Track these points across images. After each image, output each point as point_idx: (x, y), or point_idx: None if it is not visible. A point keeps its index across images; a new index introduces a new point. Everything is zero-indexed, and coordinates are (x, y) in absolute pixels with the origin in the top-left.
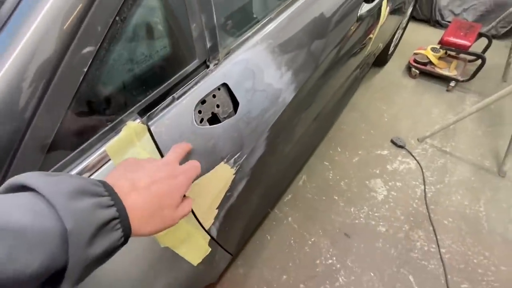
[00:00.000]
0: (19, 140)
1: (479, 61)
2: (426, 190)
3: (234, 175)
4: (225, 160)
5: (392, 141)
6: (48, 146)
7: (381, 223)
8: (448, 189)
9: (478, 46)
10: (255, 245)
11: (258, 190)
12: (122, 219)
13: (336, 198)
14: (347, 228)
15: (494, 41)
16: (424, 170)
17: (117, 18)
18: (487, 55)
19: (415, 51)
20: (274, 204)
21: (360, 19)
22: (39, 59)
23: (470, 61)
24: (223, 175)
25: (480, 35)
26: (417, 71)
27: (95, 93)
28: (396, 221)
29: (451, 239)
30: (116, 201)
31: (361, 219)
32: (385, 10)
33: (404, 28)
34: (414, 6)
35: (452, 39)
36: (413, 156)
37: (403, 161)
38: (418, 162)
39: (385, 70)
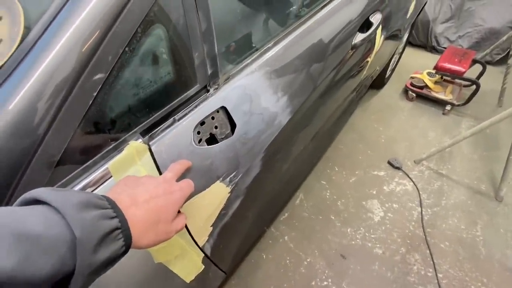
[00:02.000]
0: (30, 156)
1: (474, 86)
2: (423, 212)
3: (229, 194)
4: (221, 179)
5: (389, 162)
6: (55, 163)
7: (378, 245)
8: (445, 212)
9: (473, 72)
10: (250, 264)
11: (253, 209)
12: (123, 229)
13: (333, 218)
14: (344, 249)
15: (489, 67)
16: (420, 192)
17: (126, 48)
18: (482, 80)
19: (412, 75)
20: (271, 222)
21: (355, 47)
22: (56, 83)
23: (465, 86)
24: (218, 193)
25: (475, 61)
26: (414, 94)
27: (102, 114)
28: (393, 243)
29: (448, 264)
30: (118, 213)
31: (358, 240)
32: (379, 37)
33: (401, 53)
34: (410, 32)
35: (447, 65)
36: (409, 177)
37: (400, 182)
38: (415, 184)
39: (383, 92)
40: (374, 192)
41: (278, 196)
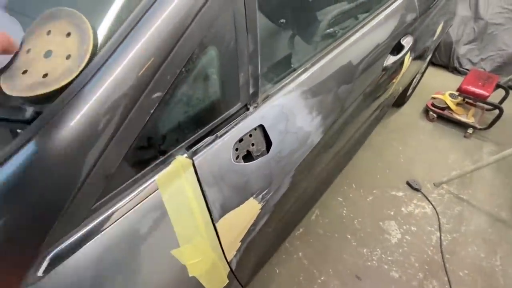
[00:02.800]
0: (90, 168)
1: (497, 111)
2: (442, 237)
3: (260, 210)
4: (255, 195)
5: (408, 183)
6: (111, 175)
7: (394, 268)
8: (464, 239)
9: (496, 96)
10: (263, 278)
11: (277, 225)
12: None
13: (349, 237)
14: (359, 269)
15: None
16: (440, 217)
17: (183, 69)
18: (505, 105)
19: (433, 95)
20: (286, 236)
21: (385, 69)
22: (118, 101)
23: (487, 110)
24: (251, 209)
25: (498, 86)
26: (435, 115)
27: (155, 130)
28: (410, 267)
29: None
30: None
31: (374, 262)
32: (408, 59)
33: (423, 73)
34: (433, 53)
35: (471, 88)
36: (429, 200)
37: (419, 204)
38: (434, 208)
39: (403, 111)
40: (392, 213)
41: (298, 212)
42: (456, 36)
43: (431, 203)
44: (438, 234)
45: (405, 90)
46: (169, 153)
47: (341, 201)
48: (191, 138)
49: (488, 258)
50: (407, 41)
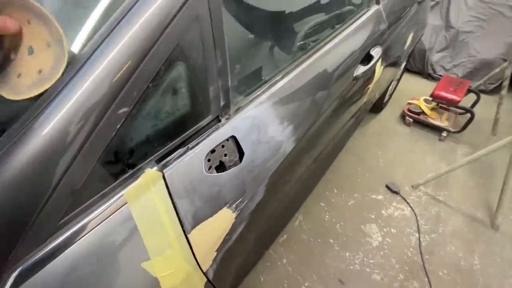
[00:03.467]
0: (56, 182)
1: (469, 115)
2: (421, 239)
3: (234, 219)
4: (228, 205)
5: (387, 186)
6: (77, 191)
7: (376, 271)
8: (442, 239)
9: (468, 100)
10: (247, 287)
11: (255, 233)
12: None
13: (332, 241)
14: (342, 274)
15: (484, 96)
16: (418, 218)
17: (150, 84)
18: (477, 109)
19: (409, 101)
20: (269, 244)
21: (356, 79)
22: (85, 116)
23: (460, 113)
24: (225, 219)
25: (469, 91)
26: (411, 120)
27: (122, 145)
28: (391, 269)
29: None
30: None
31: (356, 265)
32: (379, 68)
33: (399, 79)
34: (408, 60)
35: (443, 94)
36: (407, 202)
37: (398, 207)
38: (413, 210)
39: (381, 116)
40: (373, 216)
41: (279, 219)
42: (429, 44)
43: (410, 205)
44: (417, 235)
45: (382, 96)
46: (138, 167)
47: (323, 206)
48: (161, 151)
49: (466, 258)
50: (376, 51)
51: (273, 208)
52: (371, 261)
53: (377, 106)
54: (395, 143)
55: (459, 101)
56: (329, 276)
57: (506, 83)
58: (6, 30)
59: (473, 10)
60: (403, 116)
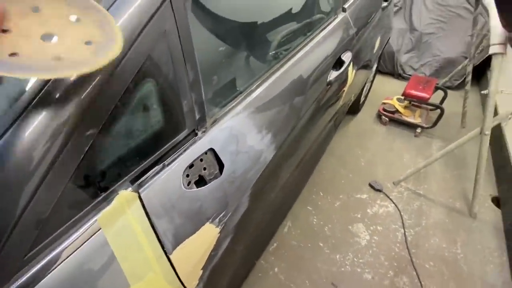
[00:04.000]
0: (19, 214)
1: (439, 110)
2: (406, 233)
3: (219, 234)
4: (211, 220)
5: (370, 185)
6: (43, 221)
7: (367, 270)
8: (426, 232)
9: (438, 97)
10: None
11: (242, 245)
12: None
13: (321, 245)
14: (334, 276)
15: (451, 92)
16: (402, 213)
17: (118, 103)
18: (446, 104)
19: (383, 101)
20: (260, 254)
21: (330, 83)
22: (49, 139)
23: (431, 109)
24: (208, 235)
25: (437, 88)
26: (387, 119)
27: (93, 167)
28: (381, 267)
29: (435, 285)
30: None
31: (347, 267)
32: (352, 72)
33: (372, 81)
34: (379, 62)
35: (413, 92)
36: (390, 199)
37: (382, 204)
38: (396, 205)
39: (358, 118)
40: (359, 216)
41: (267, 228)
42: (397, 46)
43: (393, 202)
44: (402, 230)
45: (358, 98)
46: (111, 189)
47: (310, 210)
48: (135, 170)
49: (449, 248)
50: (347, 56)
51: (260, 217)
52: (361, 260)
53: (354, 108)
54: (374, 142)
55: (428, 98)
56: (322, 281)
57: (468, 78)
58: None
59: (433, 13)
60: (379, 116)
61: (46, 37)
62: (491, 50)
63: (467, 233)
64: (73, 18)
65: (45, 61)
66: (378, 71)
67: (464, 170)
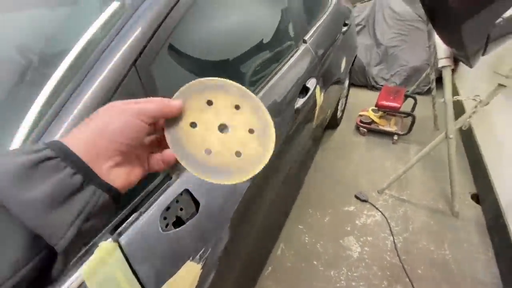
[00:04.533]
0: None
1: (411, 117)
2: (395, 240)
3: (201, 270)
4: (191, 258)
5: (356, 197)
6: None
7: (361, 283)
8: (414, 237)
9: (410, 104)
10: None
11: (232, 275)
12: (62, 155)
13: (315, 263)
14: None
15: (422, 97)
16: (389, 221)
17: None
18: (419, 109)
19: (360, 113)
20: (255, 280)
21: (298, 110)
22: None
23: (405, 117)
24: (190, 273)
25: (407, 96)
26: (365, 130)
27: None
28: (375, 278)
29: None
30: (52, 145)
31: (342, 282)
32: (319, 95)
33: (347, 96)
34: (350, 77)
35: (385, 103)
36: (377, 208)
37: (369, 214)
38: (383, 214)
39: (338, 132)
40: (349, 229)
41: (258, 253)
42: (366, 60)
43: (379, 210)
44: (391, 238)
45: (334, 114)
46: (91, 243)
47: (301, 229)
48: (113, 221)
49: (437, 250)
50: (311, 83)
51: (247, 245)
52: (355, 274)
53: (333, 123)
54: (355, 153)
55: (399, 107)
56: None
57: (433, 85)
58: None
59: (393, 28)
60: (357, 128)
61: (222, 128)
62: (440, 64)
63: (452, 233)
64: (236, 107)
65: (230, 157)
66: (353, 85)
67: (441, 171)
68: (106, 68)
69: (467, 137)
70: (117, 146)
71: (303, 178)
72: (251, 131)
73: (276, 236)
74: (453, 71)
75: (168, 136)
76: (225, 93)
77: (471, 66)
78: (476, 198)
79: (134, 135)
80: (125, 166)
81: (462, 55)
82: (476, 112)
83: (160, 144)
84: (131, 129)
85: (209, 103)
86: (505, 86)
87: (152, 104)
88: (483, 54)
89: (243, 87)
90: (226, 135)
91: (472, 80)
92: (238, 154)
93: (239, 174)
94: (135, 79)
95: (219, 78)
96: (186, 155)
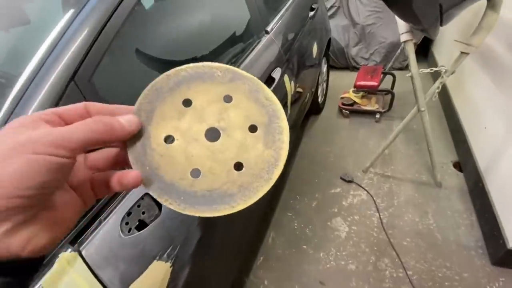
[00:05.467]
0: None
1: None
2: (381, 216)
3: (171, 267)
4: (158, 257)
5: (341, 178)
6: None
7: (350, 261)
8: (399, 211)
9: (390, 81)
10: None
11: (216, 268)
12: None
13: (305, 247)
14: (321, 275)
15: (403, 72)
16: (374, 198)
17: None
18: (399, 84)
19: (341, 96)
20: (248, 270)
21: None
22: None
23: (385, 94)
24: (159, 271)
25: (385, 73)
26: (348, 112)
27: None
28: (363, 255)
29: (414, 259)
30: None
31: (332, 262)
32: (289, 83)
33: (327, 80)
34: (327, 59)
35: (363, 83)
36: (362, 187)
37: (355, 194)
38: (368, 192)
39: (322, 116)
40: (336, 210)
41: (246, 243)
42: (344, 41)
43: (365, 189)
44: (377, 214)
45: (315, 101)
46: (51, 255)
47: (290, 216)
48: (73, 232)
49: (422, 220)
50: (276, 73)
51: (229, 239)
52: (344, 253)
53: (316, 109)
54: (340, 136)
55: (378, 86)
56: (310, 282)
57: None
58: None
59: (368, 6)
60: (340, 110)
61: (211, 135)
62: (402, 39)
63: (436, 202)
64: (225, 98)
65: (227, 175)
66: (334, 68)
67: (424, 144)
68: (42, 89)
69: (447, 107)
70: (13, 202)
71: (290, 166)
72: (252, 128)
73: (266, 225)
74: (430, 42)
75: (134, 163)
76: (205, 83)
77: (432, 38)
78: (458, 166)
79: (45, 178)
80: (36, 223)
81: (420, 28)
82: (443, 82)
83: (117, 161)
84: (38, 173)
85: (187, 103)
86: (467, 53)
87: (81, 129)
88: (441, 25)
89: (230, 67)
90: (218, 144)
91: (448, 49)
92: (238, 167)
93: (244, 196)
94: (77, 95)
95: (193, 64)
96: (166, 187)
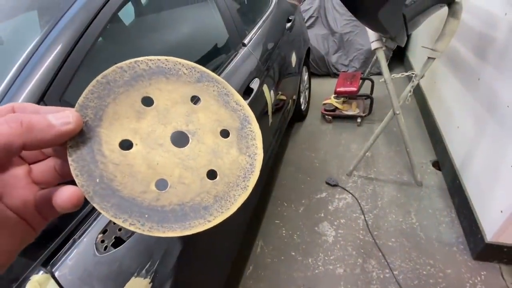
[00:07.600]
0: None
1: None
2: (366, 218)
3: (150, 284)
4: (136, 274)
5: (326, 183)
6: None
7: (338, 265)
8: (383, 212)
9: (369, 86)
10: None
11: (197, 280)
12: None
13: (294, 254)
14: (310, 281)
15: (380, 77)
16: (359, 201)
17: None
18: (379, 89)
19: (324, 102)
20: (238, 280)
21: None
22: None
23: (365, 99)
24: None
25: (363, 79)
26: (330, 117)
27: None
28: (350, 258)
29: (399, 259)
30: None
31: (320, 268)
32: (268, 93)
33: (309, 88)
34: (308, 67)
35: (342, 89)
36: (347, 190)
37: (341, 197)
38: (353, 195)
39: (306, 123)
40: (322, 215)
41: (233, 254)
42: (324, 49)
43: (350, 192)
44: (362, 217)
45: (298, 108)
46: (21, 278)
47: (278, 223)
48: (44, 254)
49: (405, 220)
50: (254, 83)
51: (215, 250)
52: (331, 257)
53: (300, 116)
54: (324, 141)
55: (357, 91)
56: None
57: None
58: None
59: (344, 15)
60: (323, 116)
61: (178, 139)
62: (372, 47)
63: (418, 202)
64: (193, 99)
65: (200, 184)
66: (316, 75)
67: (404, 145)
68: None
69: (424, 109)
70: None
71: (276, 174)
72: (223, 133)
73: (254, 234)
74: (405, 48)
75: (79, 175)
76: (169, 80)
77: (400, 45)
78: (437, 165)
79: None
80: None
81: (388, 36)
82: (414, 86)
83: (66, 172)
84: None
85: (147, 101)
86: (433, 58)
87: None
88: (407, 33)
89: (197, 65)
90: (187, 149)
91: (421, 55)
92: (211, 175)
93: (221, 208)
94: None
95: (155, 57)
96: (124, 204)
